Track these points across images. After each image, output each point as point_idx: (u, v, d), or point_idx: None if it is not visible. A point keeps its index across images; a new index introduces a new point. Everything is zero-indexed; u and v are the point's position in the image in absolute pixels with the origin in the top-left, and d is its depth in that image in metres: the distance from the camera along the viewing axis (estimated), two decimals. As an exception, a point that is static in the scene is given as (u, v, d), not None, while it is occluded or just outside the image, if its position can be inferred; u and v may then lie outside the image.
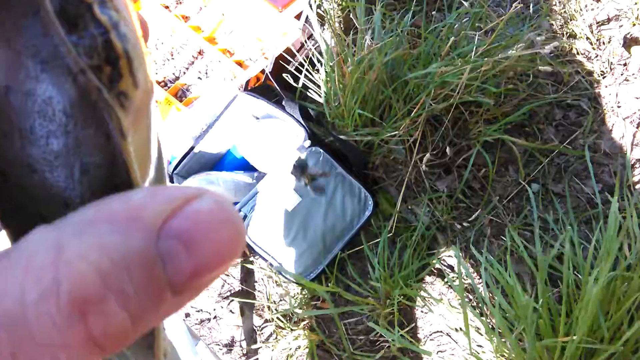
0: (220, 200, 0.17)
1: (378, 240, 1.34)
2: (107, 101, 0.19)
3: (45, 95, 0.18)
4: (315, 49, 1.43)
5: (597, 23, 1.50)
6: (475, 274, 1.28)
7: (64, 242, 0.16)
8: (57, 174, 0.19)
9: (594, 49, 1.46)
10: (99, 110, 0.19)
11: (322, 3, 1.46)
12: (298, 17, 1.48)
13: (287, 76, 1.46)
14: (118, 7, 0.20)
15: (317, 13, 1.36)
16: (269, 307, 1.38)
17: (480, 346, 1.16)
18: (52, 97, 0.18)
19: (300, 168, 1.32)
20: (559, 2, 1.53)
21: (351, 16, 1.44)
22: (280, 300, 1.39)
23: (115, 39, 0.19)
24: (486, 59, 1.18)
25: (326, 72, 1.34)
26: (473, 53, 1.22)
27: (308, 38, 1.51)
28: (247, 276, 1.44)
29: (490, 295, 1.16)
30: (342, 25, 1.35)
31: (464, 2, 1.37)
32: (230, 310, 1.41)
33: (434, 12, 1.52)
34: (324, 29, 1.40)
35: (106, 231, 0.16)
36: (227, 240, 0.17)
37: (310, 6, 1.37)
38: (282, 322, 1.34)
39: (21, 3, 0.18)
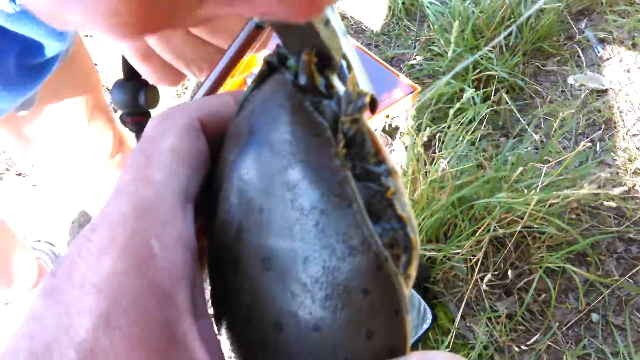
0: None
1: (435, 354, 1.36)
2: (400, 284, 0.22)
3: (349, 273, 0.22)
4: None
5: (660, 161, 1.56)
6: (532, 400, 1.28)
7: None
8: (343, 336, 0.22)
9: (656, 186, 1.51)
10: (394, 290, 0.22)
11: (394, 120, 1.58)
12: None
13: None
14: (406, 202, 0.24)
15: (394, 127, 1.47)
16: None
17: None
18: (355, 277, 0.22)
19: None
20: (624, 139, 1.60)
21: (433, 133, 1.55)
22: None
23: (410, 233, 0.23)
24: (554, 192, 1.24)
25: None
26: (540, 184, 1.29)
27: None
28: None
29: None
30: (420, 146, 1.45)
31: (533, 134, 1.45)
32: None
33: (501, 138, 1.61)
34: (401, 144, 1.50)
35: None
36: None
37: (389, 125, 1.48)
38: None
39: (337, 194, 0.22)
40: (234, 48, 0.34)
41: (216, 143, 0.28)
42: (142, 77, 0.48)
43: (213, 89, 0.38)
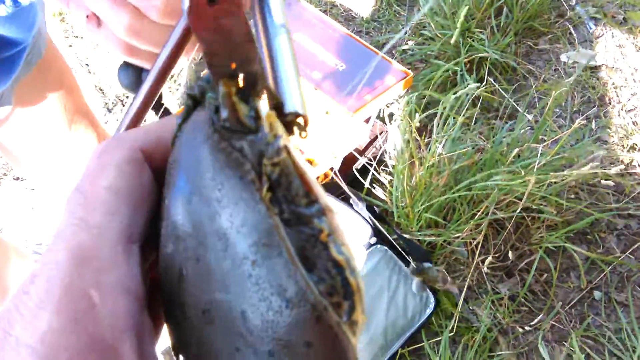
0: None
1: (439, 338, 1.36)
2: (345, 334, 0.21)
3: (288, 327, 0.21)
4: (380, 148, 1.53)
5: (656, 135, 1.55)
6: (537, 380, 1.29)
7: None
8: None
9: (654, 160, 1.51)
10: (339, 341, 0.21)
11: (390, 106, 1.57)
12: (367, 120, 1.59)
13: (355, 172, 1.55)
14: (345, 242, 0.22)
15: (388, 115, 1.47)
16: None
17: None
18: (295, 330, 0.21)
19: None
20: (619, 115, 1.60)
21: (428, 118, 1.54)
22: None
23: (350, 277, 0.21)
24: (551, 173, 1.24)
25: (396, 173, 1.43)
26: (537, 164, 1.29)
27: (374, 139, 1.61)
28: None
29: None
30: (415, 131, 1.44)
31: (527, 115, 1.45)
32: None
33: (494, 121, 1.60)
34: (395, 131, 1.50)
35: None
36: None
37: (382, 111, 1.47)
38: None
39: (267, 243, 0.21)
40: (166, 52, 0.32)
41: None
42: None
43: (151, 95, 0.35)
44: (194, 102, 0.25)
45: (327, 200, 0.23)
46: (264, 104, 0.24)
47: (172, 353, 0.27)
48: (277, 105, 0.24)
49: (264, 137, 0.22)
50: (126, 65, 0.50)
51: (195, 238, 0.23)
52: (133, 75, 0.50)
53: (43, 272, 0.22)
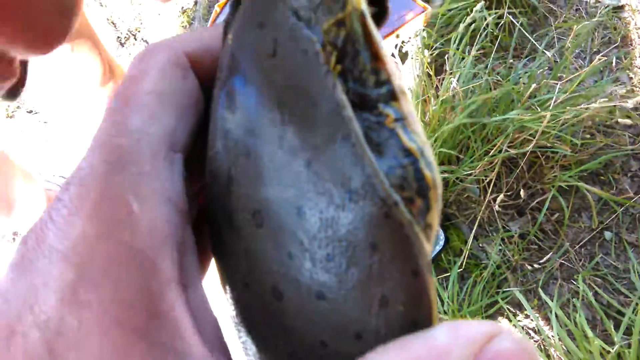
0: (520, 340, 0.17)
1: (447, 274, 1.38)
2: (417, 235, 0.18)
3: (352, 225, 0.18)
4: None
5: (677, 78, 1.52)
6: (544, 315, 1.30)
7: None
8: (353, 303, 0.18)
9: (673, 103, 1.48)
10: (410, 245, 0.17)
11: (405, 44, 1.54)
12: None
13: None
14: (418, 130, 0.19)
15: (405, 52, 1.44)
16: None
17: (547, 387, 1.18)
18: (359, 229, 0.18)
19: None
20: (639, 56, 1.56)
21: (443, 57, 1.52)
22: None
23: (425, 169, 0.18)
24: (567, 108, 1.22)
25: (409, 110, 1.41)
26: (553, 102, 1.27)
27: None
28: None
29: (558, 338, 1.18)
30: (429, 66, 1.42)
31: (546, 52, 1.42)
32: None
33: (511, 60, 1.57)
34: (410, 67, 1.48)
35: None
36: None
37: (400, 49, 1.45)
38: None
39: (330, 124, 0.18)
40: None
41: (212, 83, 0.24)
42: None
43: None
44: None
45: (400, 82, 0.19)
46: None
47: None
48: None
49: None
50: None
51: (247, 128, 0.20)
52: None
53: (77, 177, 0.20)
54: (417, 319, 0.18)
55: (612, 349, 1.07)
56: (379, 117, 0.18)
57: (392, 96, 0.18)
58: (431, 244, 0.19)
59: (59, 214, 0.19)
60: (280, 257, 0.19)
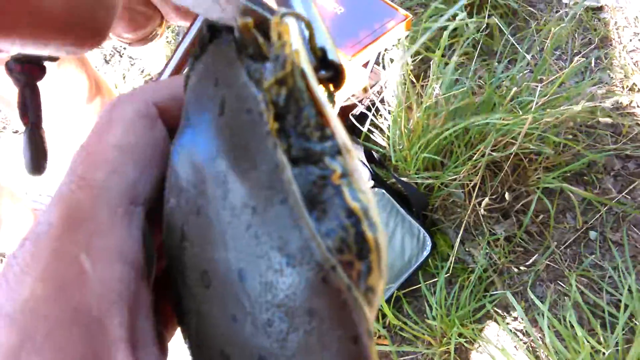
0: None
1: (435, 280, 1.38)
2: (356, 300, 0.17)
3: (289, 290, 0.17)
4: (379, 94, 1.52)
5: (657, 77, 1.53)
6: (532, 317, 1.31)
7: None
8: None
9: (654, 102, 1.49)
10: (348, 311, 0.17)
11: (389, 52, 1.56)
12: (365, 65, 1.57)
13: (352, 118, 1.55)
14: (363, 188, 0.18)
15: (388, 60, 1.45)
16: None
17: (536, 389, 1.18)
18: (297, 294, 0.17)
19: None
20: (619, 55, 1.58)
21: (427, 64, 1.52)
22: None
23: (367, 231, 0.17)
24: (548, 110, 1.23)
25: (393, 118, 1.42)
26: (534, 104, 1.28)
27: (373, 85, 1.60)
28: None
29: (547, 339, 1.19)
30: (411, 73, 1.43)
31: (526, 55, 1.43)
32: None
33: (495, 64, 1.59)
34: (393, 75, 1.49)
35: None
36: None
37: (382, 57, 1.46)
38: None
39: (269, 186, 0.17)
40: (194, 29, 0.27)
41: None
42: None
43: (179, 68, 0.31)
44: (212, 34, 0.22)
45: (346, 138, 0.19)
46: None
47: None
48: (317, 53, 0.21)
49: (268, 49, 0.19)
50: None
51: (196, 186, 0.20)
52: None
53: (34, 234, 0.20)
54: None
55: (602, 349, 1.08)
56: (324, 171, 0.18)
57: (338, 151, 0.18)
58: (374, 308, 0.18)
59: (12, 271, 0.19)
60: (225, 320, 0.19)
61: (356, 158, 0.19)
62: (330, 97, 0.22)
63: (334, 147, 0.18)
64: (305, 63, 0.19)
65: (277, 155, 0.17)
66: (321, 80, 0.21)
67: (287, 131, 0.18)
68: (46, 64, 0.42)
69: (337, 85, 0.21)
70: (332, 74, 0.21)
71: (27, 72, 0.42)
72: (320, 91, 0.19)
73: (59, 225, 0.19)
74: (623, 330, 1.11)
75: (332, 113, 0.19)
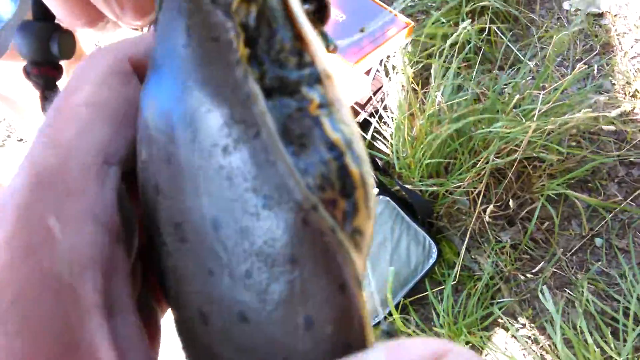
0: (472, 358, 0.15)
1: (442, 287, 1.38)
2: (342, 243, 0.16)
3: (267, 235, 0.15)
4: (382, 101, 1.52)
5: (659, 83, 1.54)
6: (539, 324, 1.31)
7: None
8: (276, 326, 0.16)
9: (656, 108, 1.50)
10: (332, 255, 0.15)
11: (391, 59, 1.56)
12: (368, 72, 1.57)
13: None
14: (346, 119, 0.17)
15: (390, 67, 1.45)
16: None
17: (545, 397, 1.18)
18: (276, 239, 0.15)
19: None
20: (621, 62, 1.58)
21: (429, 71, 1.53)
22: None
23: (351, 164, 0.16)
24: (552, 118, 1.23)
25: (396, 125, 1.42)
26: (537, 111, 1.28)
27: (375, 92, 1.60)
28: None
29: (555, 346, 1.19)
30: (414, 80, 1.43)
31: (529, 62, 1.43)
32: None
33: (496, 71, 1.59)
34: (395, 82, 1.49)
35: None
36: None
37: (385, 64, 1.46)
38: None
39: (242, 120, 0.16)
40: None
41: None
42: (57, 19, 0.39)
43: None
44: None
45: (327, 64, 0.17)
46: None
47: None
48: None
49: None
50: (33, 20, 0.39)
51: (165, 132, 0.18)
52: (39, 35, 0.39)
53: (0, 199, 0.18)
54: (349, 340, 0.16)
55: (615, 355, 1.07)
56: (301, 103, 0.16)
57: (317, 79, 0.16)
58: (363, 252, 0.16)
59: None
60: (202, 276, 0.17)
61: (339, 86, 0.17)
62: (323, 36, 0.20)
63: (313, 75, 0.16)
64: None
65: (248, 84, 0.16)
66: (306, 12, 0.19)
67: (260, 57, 0.16)
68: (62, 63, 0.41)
69: (322, 19, 0.19)
70: (315, 5, 0.19)
71: (45, 73, 0.41)
72: (300, 11, 0.17)
73: (26, 189, 0.18)
74: (634, 339, 1.11)
75: (312, 36, 0.17)
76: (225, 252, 0.16)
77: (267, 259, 0.15)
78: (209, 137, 0.16)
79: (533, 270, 1.37)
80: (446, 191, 1.41)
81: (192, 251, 0.17)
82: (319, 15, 0.19)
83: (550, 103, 1.31)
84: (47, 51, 0.39)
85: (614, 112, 1.26)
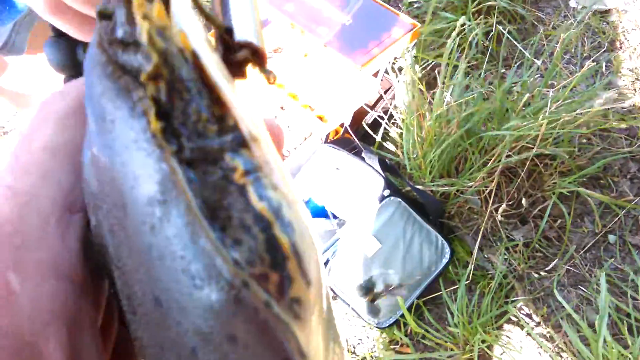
0: None
1: (455, 287, 1.38)
2: (278, 317, 0.15)
3: (204, 315, 0.15)
4: (391, 102, 1.52)
5: (668, 78, 1.54)
6: (554, 322, 1.30)
7: None
8: None
9: (666, 103, 1.50)
10: (271, 331, 0.15)
11: (398, 60, 1.56)
12: (376, 74, 1.58)
13: (365, 127, 1.55)
14: (277, 182, 0.16)
15: (397, 69, 1.46)
16: (347, 350, 1.43)
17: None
18: (212, 319, 0.15)
19: (365, 289, 1.39)
20: (630, 59, 1.58)
21: (436, 71, 1.53)
22: (358, 343, 1.44)
23: (280, 234, 0.15)
24: (563, 115, 1.23)
25: (406, 126, 1.43)
26: (548, 109, 1.28)
27: (385, 91, 1.60)
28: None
29: (570, 343, 1.18)
30: (422, 81, 1.43)
31: (536, 60, 1.43)
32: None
33: (506, 69, 1.59)
34: (403, 83, 1.49)
35: None
36: None
37: (392, 66, 1.46)
38: (362, 365, 1.39)
39: (162, 199, 0.15)
40: None
41: None
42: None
43: None
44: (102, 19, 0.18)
45: (255, 124, 0.16)
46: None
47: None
48: (222, 32, 0.18)
49: (121, 25, 0.16)
50: (56, 37, 0.40)
51: (105, 200, 0.17)
52: (65, 48, 0.40)
53: None
54: None
55: (629, 354, 1.07)
56: (225, 171, 0.15)
57: (241, 143, 0.16)
58: (306, 321, 0.16)
59: None
60: (155, 349, 0.17)
61: (269, 146, 0.16)
62: (263, 71, 0.19)
63: (236, 140, 0.15)
64: (200, 44, 0.16)
65: (163, 161, 0.15)
66: (239, 62, 0.18)
67: (177, 129, 0.15)
68: None
69: (259, 64, 0.19)
70: (249, 54, 0.18)
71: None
72: (218, 74, 0.16)
73: None
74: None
75: (234, 98, 0.16)
76: (170, 330, 0.16)
77: (208, 337, 0.15)
78: (138, 215, 0.15)
79: (547, 268, 1.37)
80: (457, 191, 1.41)
81: (144, 324, 0.17)
82: (254, 59, 0.19)
83: (560, 101, 1.31)
84: (75, 61, 0.41)
85: (627, 102, 1.25)
